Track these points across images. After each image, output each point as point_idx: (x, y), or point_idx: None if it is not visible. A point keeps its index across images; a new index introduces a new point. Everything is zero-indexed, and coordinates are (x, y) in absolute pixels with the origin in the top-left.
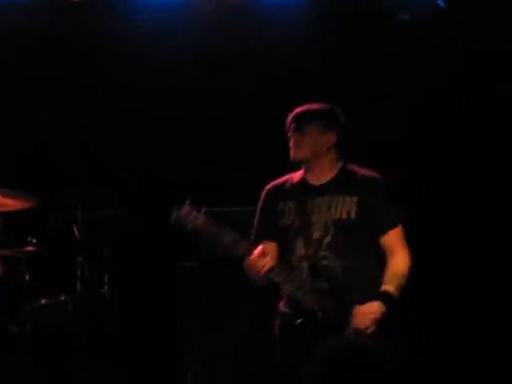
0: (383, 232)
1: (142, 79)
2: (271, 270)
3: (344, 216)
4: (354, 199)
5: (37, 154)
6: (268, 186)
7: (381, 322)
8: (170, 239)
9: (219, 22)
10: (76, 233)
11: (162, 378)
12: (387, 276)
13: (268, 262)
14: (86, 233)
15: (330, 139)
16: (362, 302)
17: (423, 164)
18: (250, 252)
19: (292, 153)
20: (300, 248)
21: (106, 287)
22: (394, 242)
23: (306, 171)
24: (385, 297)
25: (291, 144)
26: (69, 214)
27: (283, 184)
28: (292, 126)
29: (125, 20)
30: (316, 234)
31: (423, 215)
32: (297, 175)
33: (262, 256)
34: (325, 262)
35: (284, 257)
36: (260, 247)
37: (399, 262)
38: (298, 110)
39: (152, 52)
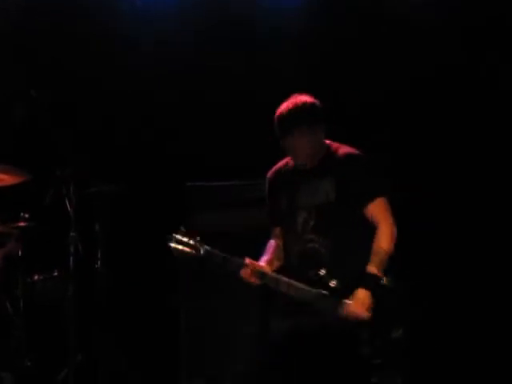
0: (364, 204)
1: (133, 58)
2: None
3: (324, 200)
4: (333, 180)
5: (25, 129)
6: (269, 173)
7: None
8: (161, 214)
9: None
10: (69, 208)
11: (156, 351)
12: (372, 253)
13: (255, 279)
14: (79, 208)
15: (320, 131)
16: (351, 280)
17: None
18: (242, 266)
19: (294, 159)
20: (290, 231)
21: (99, 263)
22: (376, 213)
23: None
24: (368, 280)
25: (288, 149)
26: (62, 190)
27: (280, 169)
28: (283, 133)
29: None
30: (302, 218)
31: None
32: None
33: (252, 270)
34: (311, 245)
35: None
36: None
37: (382, 237)
38: (282, 116)
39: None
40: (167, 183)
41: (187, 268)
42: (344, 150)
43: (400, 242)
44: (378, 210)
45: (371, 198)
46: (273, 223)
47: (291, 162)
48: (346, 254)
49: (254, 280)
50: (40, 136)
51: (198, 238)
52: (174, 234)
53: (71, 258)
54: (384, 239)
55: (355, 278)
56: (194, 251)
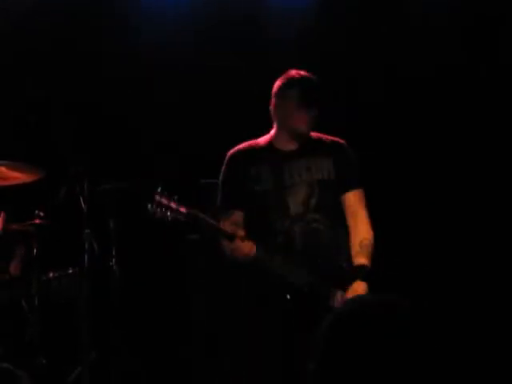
0: (349, 189)
1: (133, 58)
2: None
3: (326, 176)
4: (330, 160)
5: (41, 129)
6: (233, 152)
7: None
8: None
9: None
10: (83, 205)
11: (171, 350)
12: (357, 246)
13: (252, 247)
14: (93, 205)
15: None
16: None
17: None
18: (233, 238)
19: (300, 132)
20: (284, 211)
21: (113, 260)
22: (357, 201)
23: (278, 137)
24: (363, 272)
25: (306, 120)
26: (75, 187)
27: (250, 148)
28: (309, 103)
29: None
30: (300, 196)
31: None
32: (262, 140)
33: (245, 241)
34: (315, 225)
35: (261, 222)
36: (241, 232)
37: (366, 230)
38: (312, 86)
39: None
40: (181, 181)
41: (202, 265)
42: (329, 136)
43: (400, 241)
44: (359, 199)
45: (357, 185)
46: (234, 206)
47: (260, 144)
48: (342, 240)
49: (246, 252)
50: (52, 134)
51: (176, 198)
52: (154, 196)
53: (85, 256)
54: (368, 230)
55: (343, 267)
56: (176, 215)
